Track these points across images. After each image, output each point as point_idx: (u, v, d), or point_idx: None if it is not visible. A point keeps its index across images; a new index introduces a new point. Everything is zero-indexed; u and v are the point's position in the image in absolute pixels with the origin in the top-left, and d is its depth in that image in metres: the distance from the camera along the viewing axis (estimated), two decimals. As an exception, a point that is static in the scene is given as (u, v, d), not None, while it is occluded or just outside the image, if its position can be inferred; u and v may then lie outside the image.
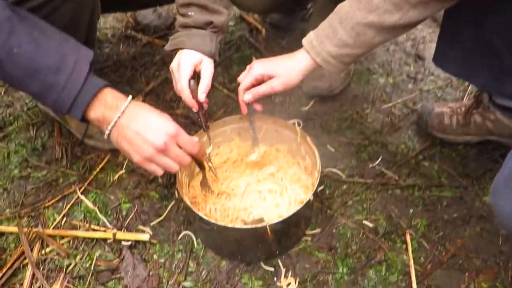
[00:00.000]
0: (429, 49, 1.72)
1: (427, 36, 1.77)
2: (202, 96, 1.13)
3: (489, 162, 1.35)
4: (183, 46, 1.15)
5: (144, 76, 1.72)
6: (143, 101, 1.62)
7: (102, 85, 0.90)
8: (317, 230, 1.22)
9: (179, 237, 1.22)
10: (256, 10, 1.64)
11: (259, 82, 1.12)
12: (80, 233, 1.23)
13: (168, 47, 1.18)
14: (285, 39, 1.82)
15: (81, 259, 1.19)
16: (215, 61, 1.19)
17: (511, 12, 1.03)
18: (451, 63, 1.24)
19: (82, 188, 1.34)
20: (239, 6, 1.50)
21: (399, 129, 1.47)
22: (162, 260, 1.18)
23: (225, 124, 1.32)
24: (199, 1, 1.15)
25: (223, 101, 1.61)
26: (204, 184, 1.18)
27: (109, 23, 1.99)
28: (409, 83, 1.63)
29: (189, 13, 1.16)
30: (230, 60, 1.77)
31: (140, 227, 1.25)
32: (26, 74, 0.85)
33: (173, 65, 1.15)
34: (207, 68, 1.15)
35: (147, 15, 1.97)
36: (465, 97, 1.55)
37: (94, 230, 1.24)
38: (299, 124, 1.30)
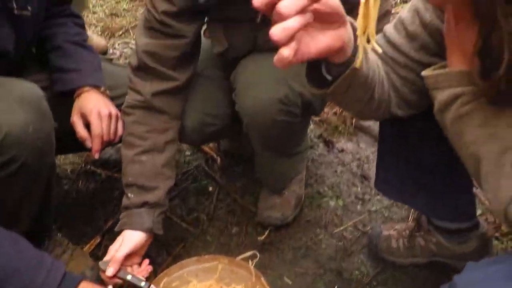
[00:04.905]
0: (373, 169, 1.83)
1: (371, 156, 1.90)
2: (109, 271, 1.20)
3: (441, 281, 1.41)
4: (125, 227, 1.28)
5: (103, 213, 1.75)
6: (101, 241, 1.64)
7: (80, 279, 0.92)
8: None
9: None
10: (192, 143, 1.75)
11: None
12: None
13: (117, 228, 1.32)
14: (240, 166, 1.91)
15: None
16: (156, 235, 1.32)
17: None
18: (390, 188, 1.33)
19: None
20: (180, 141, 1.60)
21: (352, 254, 1.53)
22: None
23: (182, 267, 1.35)
24: (137, 181, 1.29)
25: (181, 235, 1.64)
26: None
27: (69, 158, 2.05)
28: (358, 204, 1.72)
29: (129, 194, 1.30)
30: (187, 191, 1.83)
31: None
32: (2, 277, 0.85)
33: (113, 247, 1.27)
34: (131, 241, 1.25)
35: (106, 150, 2.05)
36: (410, 215, 1.64)
37: None
38: (255, 256, 1.34)
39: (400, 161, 1.26)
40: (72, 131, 1.28)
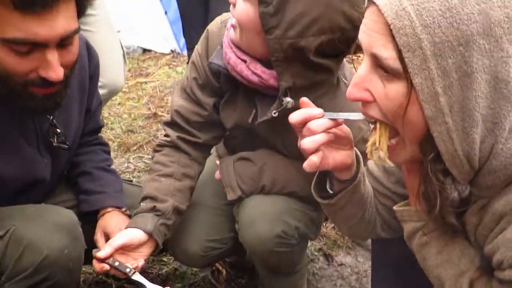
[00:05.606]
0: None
1: (368, 270, 2.00)
2: (100, 253, 1.27)
3: None
4: (128, 226, 1.37)
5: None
6: None
7: None
8: None
9: None
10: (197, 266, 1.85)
11: None
12: None
13: None
14: (244, 277, 2.00)
15: None
16: (157, 245, 1.38)
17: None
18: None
19: None
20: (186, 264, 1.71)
21: None
22: None
23: None
24: (151, 194, 1.42)
25: None
26: None
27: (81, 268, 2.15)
28: (357, 318, 1.79)
29: (141, 204, 1.42)
30: (193, 303, 1.92)
31: None
32: None
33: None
34: (129, 234, 1.33)
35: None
36: (408, 330, 1.70)
37: None
38: None
39: (392, 276, 1.37)
40: (94, 247, 1.42)
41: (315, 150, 0.94)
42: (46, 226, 1.12)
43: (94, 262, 1.29)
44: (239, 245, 1.56)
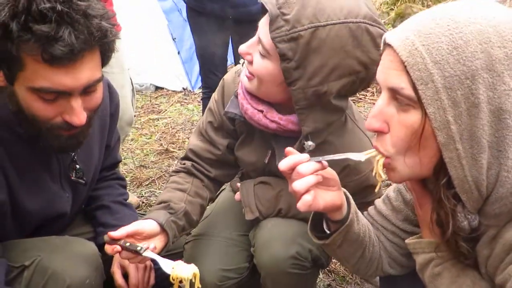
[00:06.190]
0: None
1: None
2: (114, 233, 1.28)
3: None
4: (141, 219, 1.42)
5: None
6: None
7: None
8: None
9: None
10: None
11: None
12: None
13: None
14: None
15: None
16: (168, 241, 1.40)
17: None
18: None
19: None
20: None
21: None
22: None
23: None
24: (165, 199, 1.50)
25: None
26: None
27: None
28: None
29: (156, 206, 1.50)
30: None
31: None
32: None
33: None
34: (142, 222, 1.37)
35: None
36: None
37: None
38: None
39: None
40: (111, 278, 1.46)
41: (306, 191, 1.00)
42: (69, 257, 1.17)
43: (106, 246, 1.31)
44: (254, 277, 1.60)
